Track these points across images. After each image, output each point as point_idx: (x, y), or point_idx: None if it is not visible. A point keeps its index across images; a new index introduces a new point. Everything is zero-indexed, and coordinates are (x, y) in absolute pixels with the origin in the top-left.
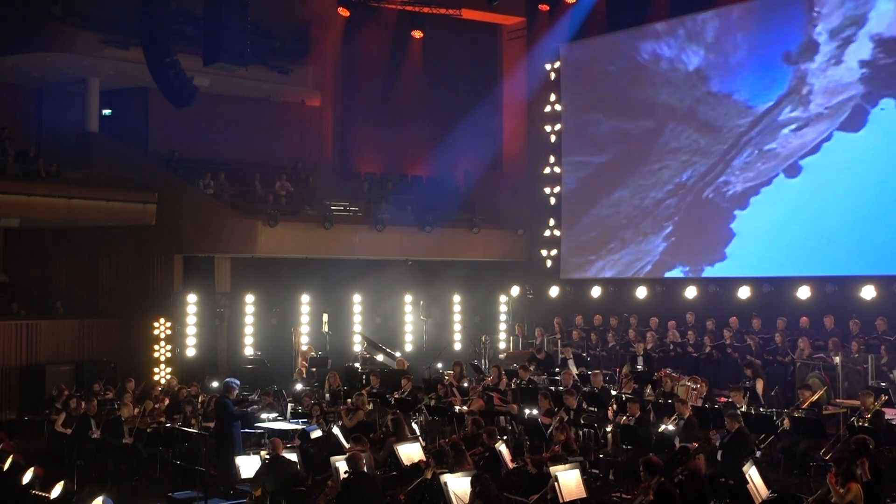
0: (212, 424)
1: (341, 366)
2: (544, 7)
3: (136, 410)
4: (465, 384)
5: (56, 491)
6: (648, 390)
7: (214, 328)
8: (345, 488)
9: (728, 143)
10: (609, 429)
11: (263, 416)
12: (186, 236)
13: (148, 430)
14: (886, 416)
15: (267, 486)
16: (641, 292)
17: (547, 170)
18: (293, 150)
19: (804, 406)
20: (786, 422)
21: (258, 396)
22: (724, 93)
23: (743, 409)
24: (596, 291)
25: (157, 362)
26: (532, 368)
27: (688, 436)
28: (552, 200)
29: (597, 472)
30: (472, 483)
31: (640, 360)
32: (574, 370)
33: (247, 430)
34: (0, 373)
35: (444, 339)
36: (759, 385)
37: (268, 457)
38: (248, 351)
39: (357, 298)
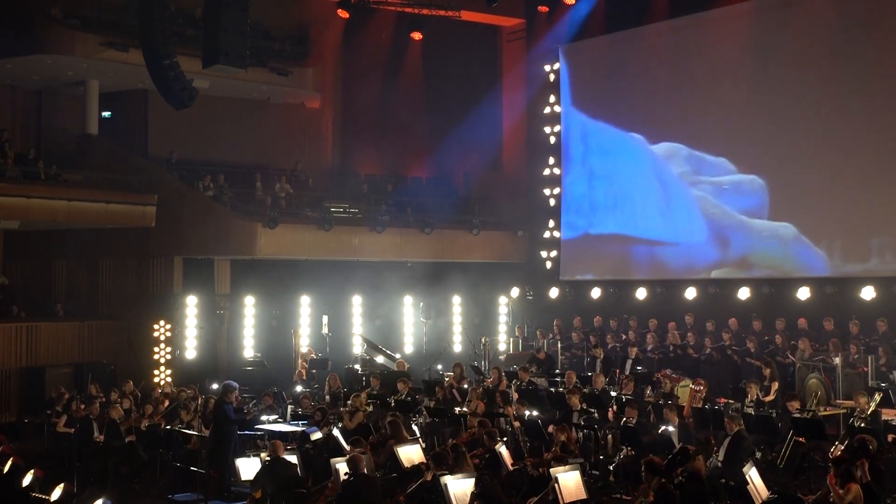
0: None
1: (341, 367)
2: (544, 8)
3: (134, 414)
4: (465, 385)
5: (56, 493)
6: (648, 391)
7: (214, 330)
8: (345, 490)
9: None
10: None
11: (263, 417)
12: (186, 238)
13: (142, 429)
14: (884, 417)
15: (267, 487)
16: (641, 293)
17: (546, 171)
18: (293, 152)
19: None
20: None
21: (256, 407)
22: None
23: (753, 402)
24: (596, 293)
25: (157, 364)
26: (533, 370)
27: (686, 438)
28: (552, 202)
29: (597, 473)
30: (475, 484)
31: (628, 363)
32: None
33: (245, 433)
34: (0, 375)
35: (444, 341)
36: (774, 386)
37: (268, 459)
38: (249, 353)
39: (357, 300)
